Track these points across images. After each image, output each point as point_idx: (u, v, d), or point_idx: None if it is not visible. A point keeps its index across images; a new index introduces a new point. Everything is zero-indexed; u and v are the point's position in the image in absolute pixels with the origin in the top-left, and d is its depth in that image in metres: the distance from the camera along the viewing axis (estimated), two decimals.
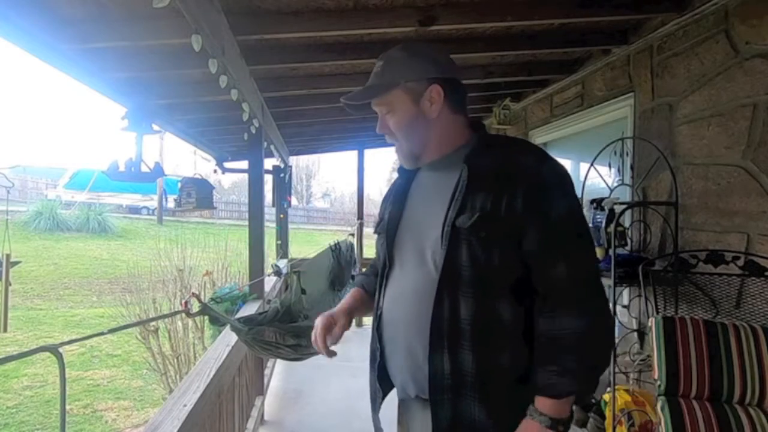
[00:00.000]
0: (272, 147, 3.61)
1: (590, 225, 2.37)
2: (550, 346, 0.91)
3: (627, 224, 2.51)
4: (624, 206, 2.27)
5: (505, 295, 0.93)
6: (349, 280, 2.97)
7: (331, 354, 1.11)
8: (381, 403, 1.12)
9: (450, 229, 0.94)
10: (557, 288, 0.91)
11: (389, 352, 1.07)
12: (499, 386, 0.94)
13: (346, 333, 1.17)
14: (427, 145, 1.03)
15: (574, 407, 0.98)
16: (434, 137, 1.03)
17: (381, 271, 1.11)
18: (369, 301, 1.22)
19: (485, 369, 0.93)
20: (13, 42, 1.42)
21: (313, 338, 1.10)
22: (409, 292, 1.01)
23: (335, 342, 1.11)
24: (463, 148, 1.03)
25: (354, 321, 1.24)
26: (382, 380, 1.10)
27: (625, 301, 2.59)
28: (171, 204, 15.89)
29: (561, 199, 0.93)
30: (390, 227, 1.09)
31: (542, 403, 0.92)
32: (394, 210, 1.10)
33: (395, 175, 1.20)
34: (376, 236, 1.17)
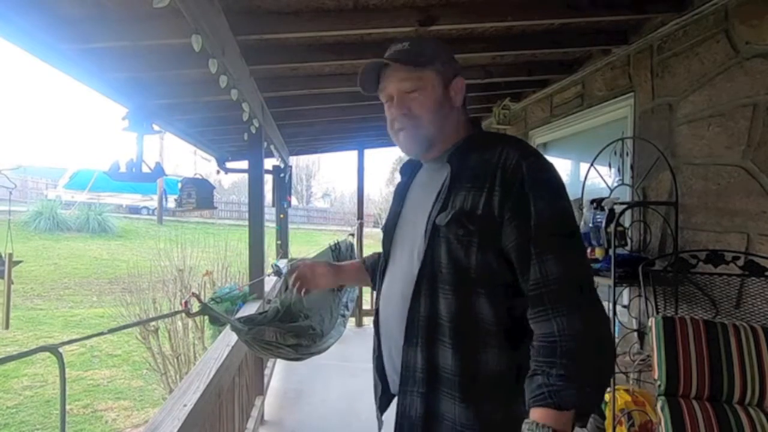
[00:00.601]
0: (272, 147, 3.61)
1: (590, 225, 2.37)
2: (545, 351, 0.84)
3: (627, 224, 2.50)
4: (624, 206, 2.27)
5: (487, 293, 0.90)
6: None
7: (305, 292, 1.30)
8: (383, 398, 1.12)
9: (431, 227, 0.95)
10: (541, 288, 0.86)
11: (383, 347, 1.08)
12: (484, 387, 0.92)
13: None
14: (442, 133, 1.01)
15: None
16: (449, 127, 1.02)
17: (380, 269, 1.12)
18: (362, 273, 1.32)
19: (468, 368, 0.91)
20: (13, 42, 1.42)
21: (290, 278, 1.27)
22: (397, 288, 1.03)
23: (306, 286, 1.28)
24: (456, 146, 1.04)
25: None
26: (381, 374, 1.11)
27: (625, 301, 2.59)
28: (171, 204, 15.89)
29: (541, 197, 0.88)
30: (389, 225, 1.11)
31: (542, 415, 0.81)
32: (393, 208, 1.13)
33: (396, 176, 1.21)
34: (379, 236, 1.19)
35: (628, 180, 2.59)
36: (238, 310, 2.59)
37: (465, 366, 0.91)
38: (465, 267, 0.91)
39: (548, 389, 0.81)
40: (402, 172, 1.18)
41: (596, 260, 2.40)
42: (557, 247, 0.87)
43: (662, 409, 1.63)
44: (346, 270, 1.35)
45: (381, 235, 1.17)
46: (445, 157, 1.02)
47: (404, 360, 0.97)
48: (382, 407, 1.13)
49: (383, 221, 1.18)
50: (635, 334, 2.43)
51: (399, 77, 0.99)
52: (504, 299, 0.91)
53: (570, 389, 0.80)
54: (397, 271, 1.05)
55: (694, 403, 1.64)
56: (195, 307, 1.66)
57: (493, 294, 0.91)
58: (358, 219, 5.76)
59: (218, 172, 4.35)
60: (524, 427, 0.83)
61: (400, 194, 1.14)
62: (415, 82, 0.98)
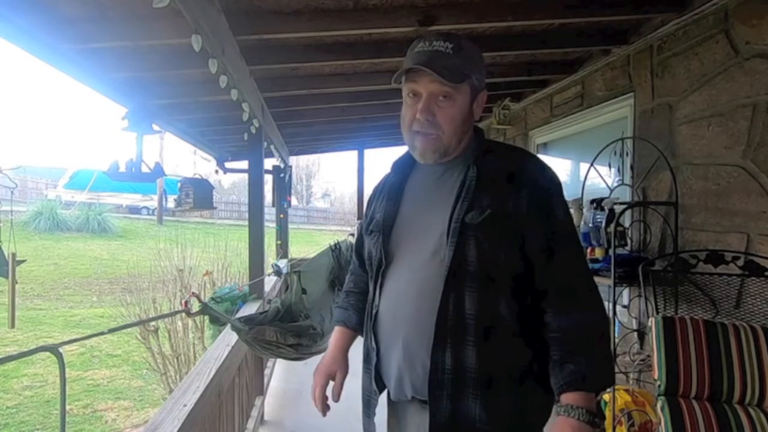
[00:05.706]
0: (272, 147, 3.61)
1: (590, 225, 2.38)
2: (570, 341, 0.93)
3: (627, 224, 2.51)
4: (624, 206, 2.27)
5: (507, 291, 0.96)
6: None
7: (326, 410, 1.12)
8: (376, 406, 1.11)
9: (458, 225, 0.95)
10: (565, 284, 0.96)
11: (385, 351, 1.05)
12: (501, 384, 0.95)
13: None
14: (458, 144, 1.03)
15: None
16: (465, 138, 1.05)
17: (376, 270, 1.08)
18: (353, 335, 1.22)
19: (488, 365, 0.94)
20: (13, 42, 1.42)
21: (312, 394, 1.12)
22: (411, 289, 1.00)
23: (338, 398, 1.12)
24: (468, 150, 1.06)
25: None
26: (377, 381, 1.08)
27: (625, 301, 2.59)
28: (171, 204, 15.89)
29: (560, 203, 1.00)
30: (385, 225, 1.07)
31: (576, 398, 0.92)
32: (388, 208, 1.09)
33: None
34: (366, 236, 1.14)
35: (628, 180, 2.59)
36: (238, 310, 2.59)
37: (486, 363, 0.94)
38: (493, 265, 0.95)
39: (580, 375, 0.92)
40: (394, 169, 1.14)
41: (596, 260, 2.40)
42: (571, 248, 0.99)
43: (662, 409, 1.63)
44: (341, 343, 1.20)
45: (369, 238, 1.11)
46: (457, 160, 1.04)
47: (432, 364, 0.95)
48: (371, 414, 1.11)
49: (370, 221, 1.13)
50: (635, 334, 2.43)
51: (435, 79, 0.95)
52: (522, 297, 0.97)
53: (596, 373, 0.93)
54: (408, 271, 1.02)
55: (694, 403, 1.63)
56: (195, 306, 1.67)
57: (514, 291, 0.96)
58: (358, 219, 5.77)
59: (216, 172, 4.35)
60: (560, 410, 0.93)
61: (394, 193, 1.10)
62: (450, 92, 0.97)
